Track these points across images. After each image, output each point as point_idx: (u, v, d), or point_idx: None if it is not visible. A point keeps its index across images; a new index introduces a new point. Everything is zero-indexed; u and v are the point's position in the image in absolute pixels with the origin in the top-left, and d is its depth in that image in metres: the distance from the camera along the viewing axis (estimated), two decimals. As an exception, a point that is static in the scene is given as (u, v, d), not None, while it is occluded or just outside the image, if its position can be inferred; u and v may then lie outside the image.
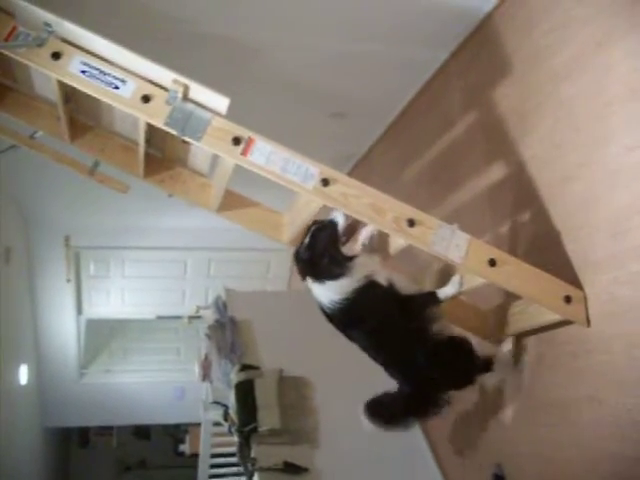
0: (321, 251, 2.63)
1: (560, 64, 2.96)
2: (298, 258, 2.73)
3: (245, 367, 4.24)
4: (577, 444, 2.78)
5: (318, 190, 2.40)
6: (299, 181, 2.39)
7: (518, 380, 3.23)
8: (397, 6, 3.52)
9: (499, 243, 3.28)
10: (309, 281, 2.72)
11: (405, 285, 2.76)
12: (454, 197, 4.06)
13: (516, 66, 3.36)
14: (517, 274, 2.62)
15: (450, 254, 2.50)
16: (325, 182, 2.40)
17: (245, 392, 4.02)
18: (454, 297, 2.83)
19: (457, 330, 3.02)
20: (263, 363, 4.36)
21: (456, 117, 4.05)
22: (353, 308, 2.65)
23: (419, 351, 2.77)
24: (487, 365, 3.02)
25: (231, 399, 4.17)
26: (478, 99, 3.76)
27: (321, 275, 2.65)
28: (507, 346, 3.10)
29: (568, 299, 2.64)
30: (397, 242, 2.67)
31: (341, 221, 2.62)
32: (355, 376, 3.80)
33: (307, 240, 2.67)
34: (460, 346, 2.88)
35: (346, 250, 2.70)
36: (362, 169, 5.96)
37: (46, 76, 2.38)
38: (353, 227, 2.73)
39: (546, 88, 3.07)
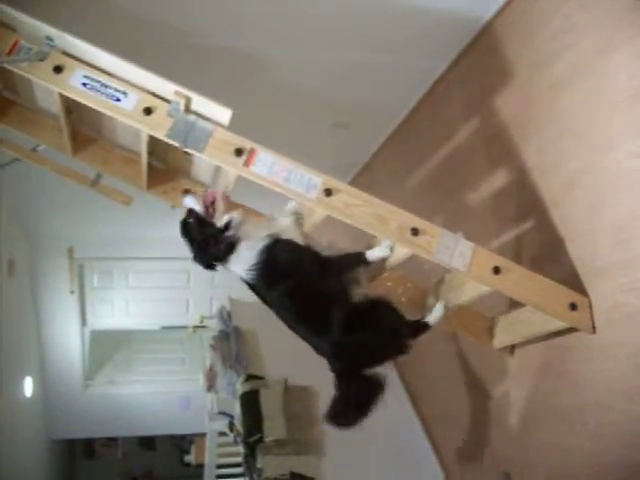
0: (200, 238, 2.53)
1: (561, 71, 2.96)
2: (194, 256, 2.60)
3: (250, 377, 4.24)
4: (584, 451, 2.77)
5: (321, 200, 2.41)
6: (302, 191, 2.39)
7: (524, 387, 3.22)
8: (397, 17, 3.52)
9: (503, 251, 3.27)
10: (218, 267, 2.62)
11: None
12: (457, 205, 4.05)
13: (517, 73, 3.36)
14: (521, 282, 2.61)
15: (454, 262, 2.50)
16: (328, 192, 2.40)
17: (250, 402, 4.02)
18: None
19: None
20: (268, 373, 4.36)
21: (458, 125, 4.05)
22: (269, 267, 2.54)
23: (338, 313, 2.60)
24: (417, 329, 2.88)
25: (236, 409, 4.17)
26: (480, 107, 3.76)
27: (218, 256, 2.55)
28: None
29: (573, 306, 2.63)
30: (401, 251, 2.65)
31: (195, 205, 2.54)
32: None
33: (187, 238, 2.58)
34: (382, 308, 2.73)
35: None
36: (364, 177, 5.96)
37: (48, 89, 2.39)
38: (212, 200, 2.59)
39: (548, 95, 3.07)
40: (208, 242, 2.53)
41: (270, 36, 3.69)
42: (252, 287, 2.65)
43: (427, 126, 4.58)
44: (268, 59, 3.93)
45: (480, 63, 3.78)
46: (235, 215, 2.54)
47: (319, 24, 3.58)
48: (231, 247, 2.52)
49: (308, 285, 2.61)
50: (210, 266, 2.61)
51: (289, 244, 2.60)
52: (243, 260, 2.54)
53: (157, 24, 3.46)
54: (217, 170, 2.71)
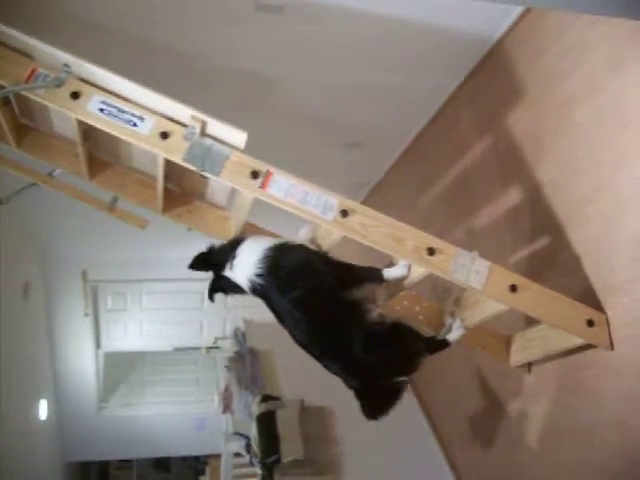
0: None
1: (574, 88, 2.96)
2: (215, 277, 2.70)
3: (266, 398, 4.24)
4: (604, 469, 2.75)
5: (337, 221, 2.40)
6: (318, 213, 2.39)
7: (542, 405, 3.21)
8: (409, 36, 3.54)
9: (519, 268, 3.27)
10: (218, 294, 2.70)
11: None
12: (471, 223, 4.05)
13: (529, 90, 3.37)
14: (538, 299, 2.60)
15: (471, 281, 2.49)
16: (344, 213, 2.40)
17: (267, 423, 4.02)
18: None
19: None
20: (284, 393, 4.36)
21: (470, 143, 4.05)
22: (277, 265, 2.49)
23: (354, 329, 2.52)
24: (436, 347, 2.85)
25: (253, 430, 4.16)
26: (491, 125, 3.77)
27: (220, 265, 2.62)
28: None
29: (590, 323, 2.63)
30: (417, 271, 2.65)
31: None
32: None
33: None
34: (399, 329, 2.67)
35: None
36: (377, 196, 5.97)
37: (65, 115, 2.40)
38: None
39: (560, 112, 3.08)
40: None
41: (281, 57, 3.72)
42: (263, 295, 2.59)
43: (439, 144, 4.59)
44: (280, 80, 3.96)
45: (491, 81, 3.79)
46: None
47: (330, 44, 3.60)
48: (232, 248, 2.56)
49: (321, 292, 2.54)
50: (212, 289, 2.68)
51: (300, 246, 2.59)
52: (247, 264, 2.51)
53: (169, 48, 3.49)
54: (233, 192, 2.71)
